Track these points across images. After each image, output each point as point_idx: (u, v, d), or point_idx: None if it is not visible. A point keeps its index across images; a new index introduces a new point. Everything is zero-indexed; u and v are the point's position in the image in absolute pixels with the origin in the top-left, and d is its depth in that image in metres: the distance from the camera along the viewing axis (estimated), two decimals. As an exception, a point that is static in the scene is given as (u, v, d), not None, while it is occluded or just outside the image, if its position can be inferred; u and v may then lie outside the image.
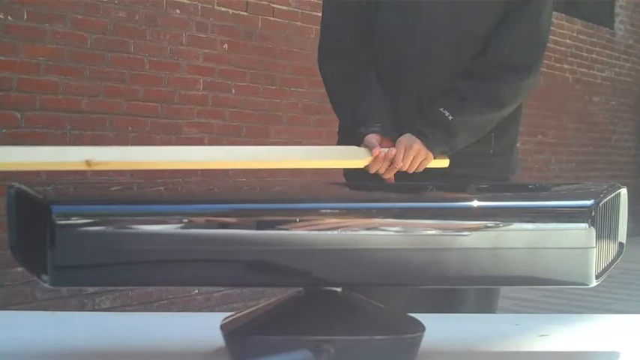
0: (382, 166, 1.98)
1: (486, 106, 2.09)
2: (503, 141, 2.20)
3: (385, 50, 2.16)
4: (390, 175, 2.00)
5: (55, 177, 4.24)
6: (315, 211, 1.11)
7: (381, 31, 2.15)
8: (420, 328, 1.16)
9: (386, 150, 1.98)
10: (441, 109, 2.04)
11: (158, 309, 4.73)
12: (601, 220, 1.12)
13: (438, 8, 2.10)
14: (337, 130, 2.32)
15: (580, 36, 9.14)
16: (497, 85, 2.08)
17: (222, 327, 1.15)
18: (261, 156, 2.05)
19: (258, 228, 1.09)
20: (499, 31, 2.10)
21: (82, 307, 4.40)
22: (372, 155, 1.98)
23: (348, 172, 2.24)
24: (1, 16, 4.09)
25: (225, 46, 5.22)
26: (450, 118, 2.03)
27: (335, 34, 2.22)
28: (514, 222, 1.11)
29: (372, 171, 1.99)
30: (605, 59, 9.67)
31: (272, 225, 1.09)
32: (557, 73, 8.77)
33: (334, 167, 2.11)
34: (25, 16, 4.18)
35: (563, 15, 8.86)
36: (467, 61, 2.10)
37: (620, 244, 1.21)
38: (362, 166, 2.00)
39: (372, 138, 2.01)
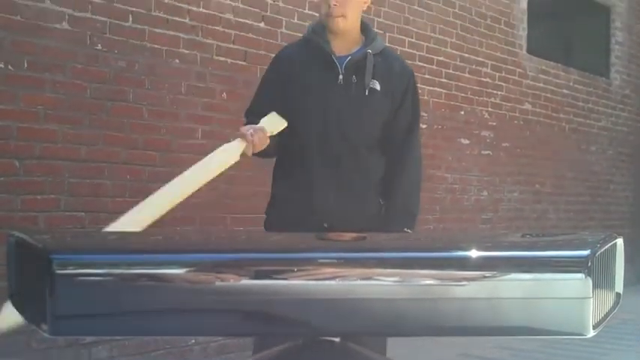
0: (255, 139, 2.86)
1: (418, 203, 3.22)
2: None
3: (310, 130, 3.13)
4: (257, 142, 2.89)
5: (54, 225, 4.24)
6: (313, 261, 1.11)
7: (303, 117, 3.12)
8: (417, 378, 1.16)
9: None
10: (406, 229, 3.03)
11: (155, 359, 4.70)
12: (598, 270, 1.12)
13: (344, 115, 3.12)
14: None
15: (576, 86, 9.20)
16: (416, 186, 3.21)
17: (220, 377, 1.15)
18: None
19: (257, 277, 1.09)
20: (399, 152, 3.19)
21: (78, 358, 4.37)
22: (241, 139, 2.87)
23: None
24: (2, 65, 4.12)
25: (224, 95, 5.25)
26: (410, 232, 3.02)
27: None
28: (511, 272, 1.11)
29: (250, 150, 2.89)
30: (601, 109, 9.72)
31: (270, 274, 1.10)
32: (554, 122, 8.81)
33: (220, 170, 2.75)
34: (26, 66, 4.21)
35: (559, 65, 8.93)
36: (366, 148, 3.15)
37: (617, 294, 1.21)
38: (240, 152, 2.91)
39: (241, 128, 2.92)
